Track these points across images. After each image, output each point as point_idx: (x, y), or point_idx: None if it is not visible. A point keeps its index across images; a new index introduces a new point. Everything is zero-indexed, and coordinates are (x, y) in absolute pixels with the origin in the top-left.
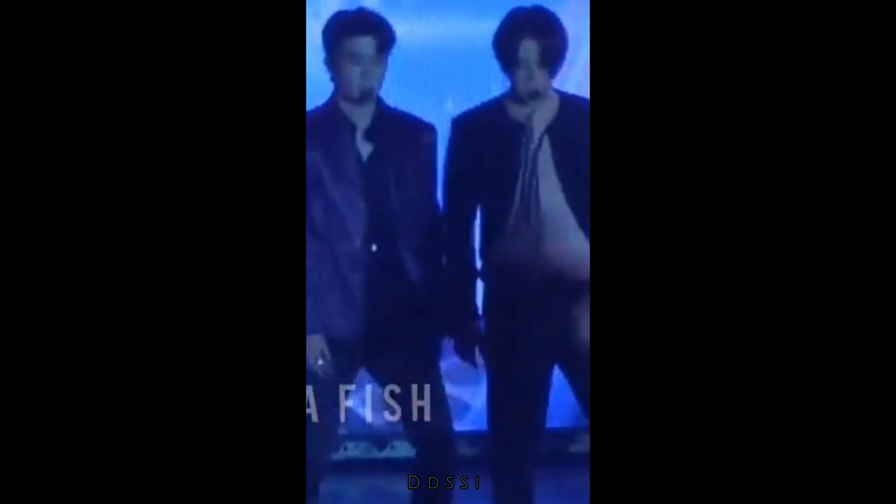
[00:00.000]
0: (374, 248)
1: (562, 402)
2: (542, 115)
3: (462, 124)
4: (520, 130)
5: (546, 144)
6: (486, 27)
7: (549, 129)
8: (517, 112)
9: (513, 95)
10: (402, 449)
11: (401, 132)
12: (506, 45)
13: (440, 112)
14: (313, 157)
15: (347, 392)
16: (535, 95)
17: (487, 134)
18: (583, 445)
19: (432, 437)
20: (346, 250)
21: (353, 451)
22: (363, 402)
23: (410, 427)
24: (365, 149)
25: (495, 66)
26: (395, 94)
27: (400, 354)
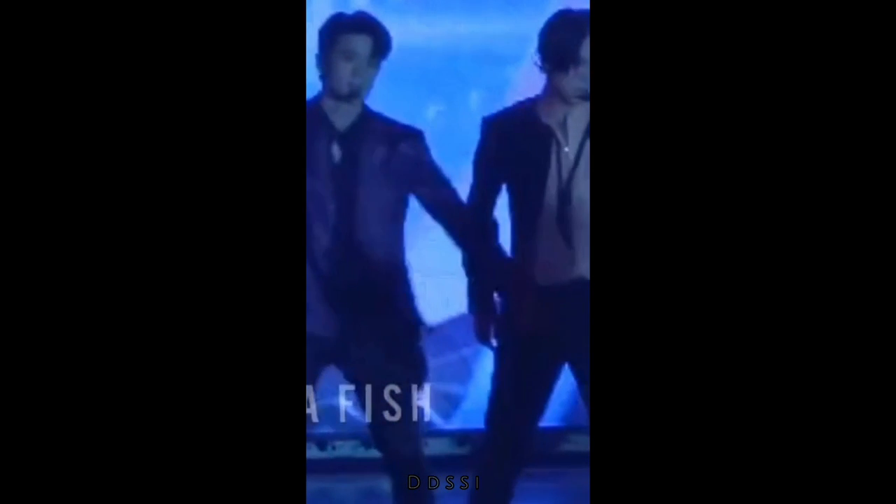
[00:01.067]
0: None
1: (555, 401)
2: (576, 119)
3: (493, 124)
4: (551, 134)
5: (582, 148)
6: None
7: (586, 133)
8: (550, 115)
9: (552, 96)
10: None
11: (382, 137)
12: (564, 44)
13: (421, 115)
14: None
15: (347, 392)
16: (585, 96)
17: (519, 135)
18: (575, 445)
19: (401, 440)
20: (315, 248)
21: (340, 449)
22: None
23: (376, 431)
24: (338, 150)
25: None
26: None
27: (370, 355)
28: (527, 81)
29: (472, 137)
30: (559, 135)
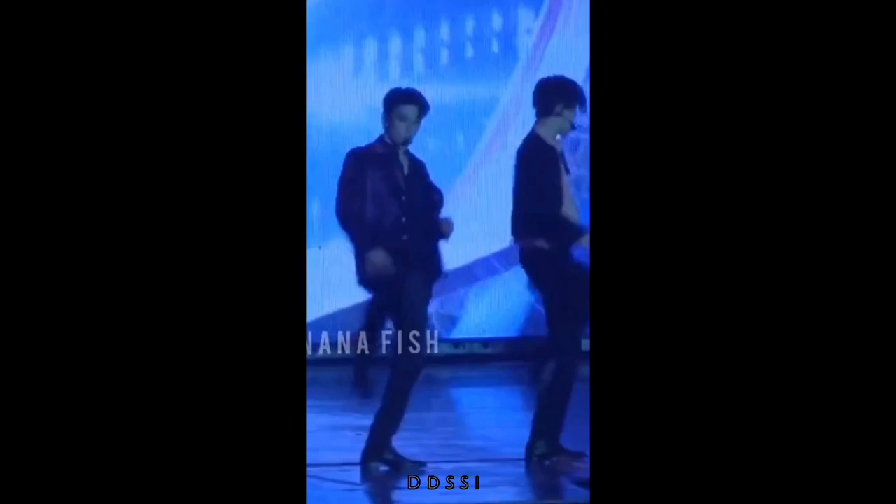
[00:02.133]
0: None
1: None
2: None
3: (519, 155)
4: (555, 153)
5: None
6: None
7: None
8: (548, 136)
9: (543, 126)
10: None
11: (416, 169)
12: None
13: (424, 146)
14: (373, 173)
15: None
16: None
17: (533, 154)
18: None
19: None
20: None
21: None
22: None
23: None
24: (406, 167)
25: None
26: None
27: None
28: (500, 126)
29: (460, 162)
30: (559, 150)
